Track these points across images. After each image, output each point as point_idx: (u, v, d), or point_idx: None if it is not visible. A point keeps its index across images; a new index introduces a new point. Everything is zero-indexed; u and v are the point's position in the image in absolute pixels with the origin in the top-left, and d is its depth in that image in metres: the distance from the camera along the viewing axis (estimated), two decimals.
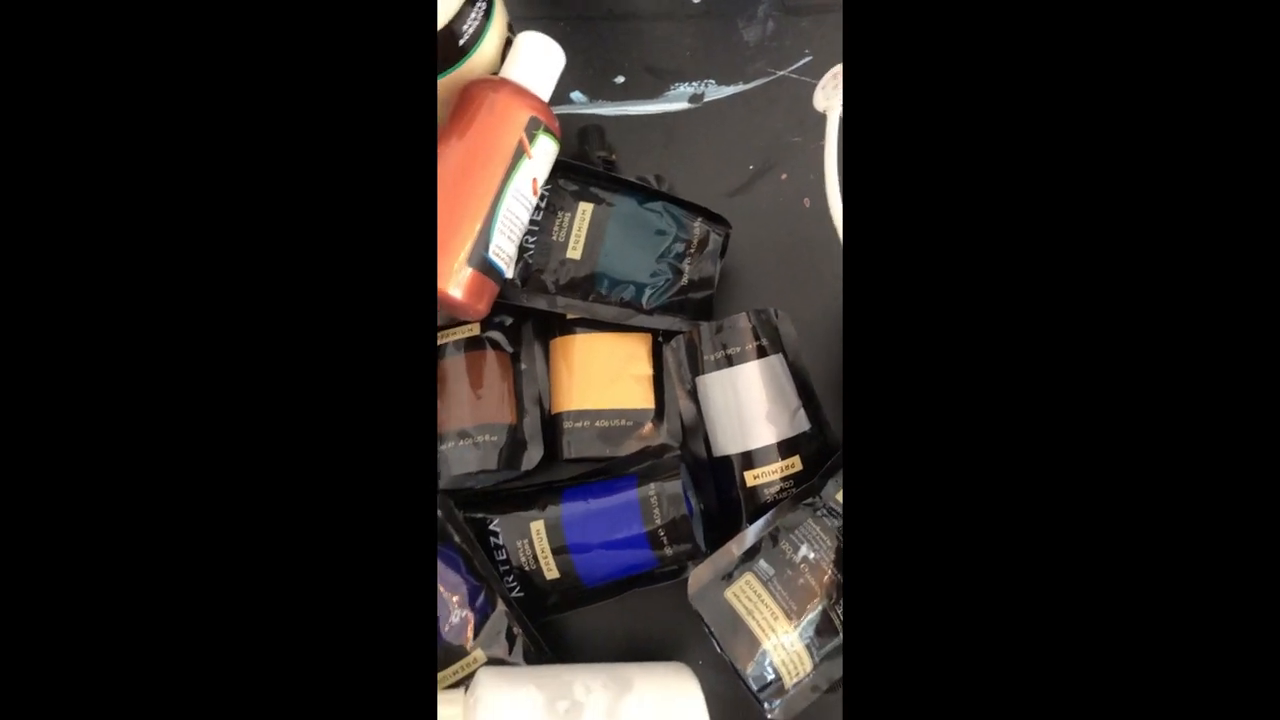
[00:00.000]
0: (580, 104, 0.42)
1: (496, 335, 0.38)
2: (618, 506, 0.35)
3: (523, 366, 0.39)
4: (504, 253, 0.34)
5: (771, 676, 0.31)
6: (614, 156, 0.41)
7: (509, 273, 0.35)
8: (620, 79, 0.42)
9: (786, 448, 0.35)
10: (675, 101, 0.42)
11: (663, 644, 0.38)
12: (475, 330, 0.38)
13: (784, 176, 0.40)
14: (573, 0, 0.43)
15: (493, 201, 0.32)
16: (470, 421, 0.37)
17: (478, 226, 0.32)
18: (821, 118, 0.35)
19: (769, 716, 0.32)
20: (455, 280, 0.32)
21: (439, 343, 0.39)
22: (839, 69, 0.31)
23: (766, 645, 0.31)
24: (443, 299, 0.32)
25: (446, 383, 0.38)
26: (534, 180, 0.34)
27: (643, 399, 0.37)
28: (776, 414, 0.35)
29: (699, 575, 0.33)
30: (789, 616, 0.32)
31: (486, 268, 0.33)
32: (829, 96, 0.30)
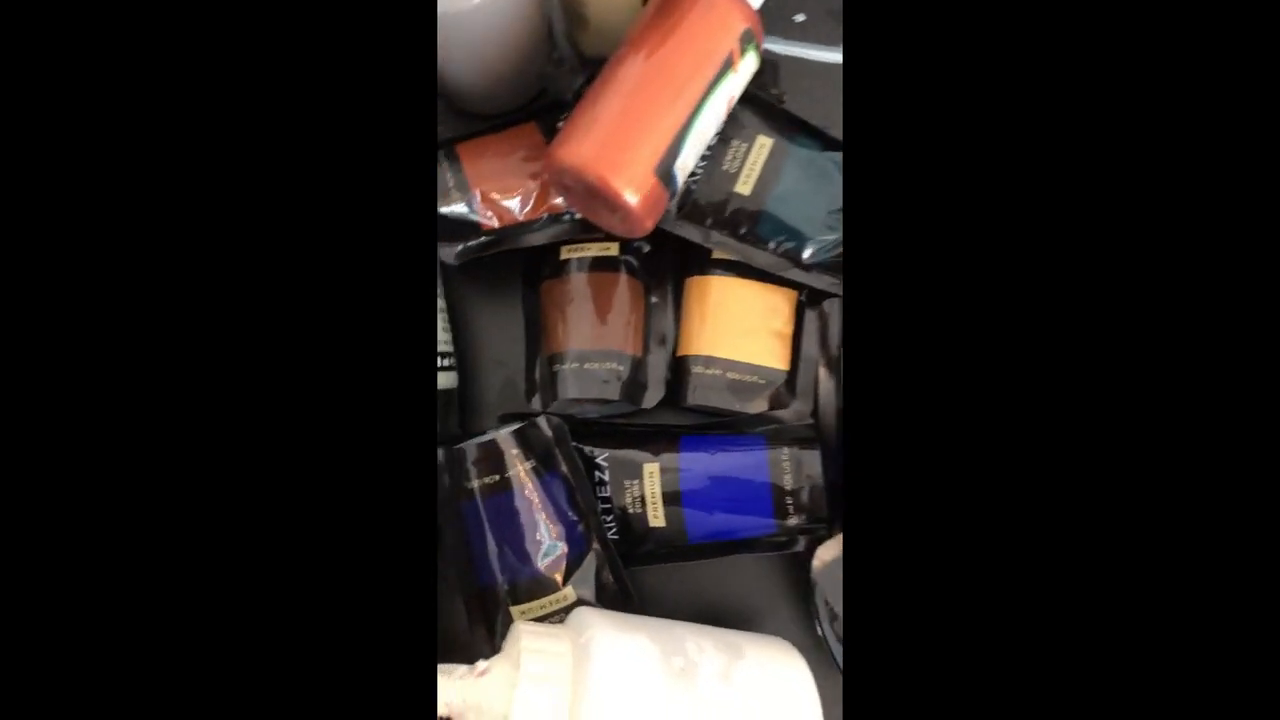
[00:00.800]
0: None
1: (633, 260, 0.36)
2: (746, 464, 0.32)
3: (653, 300, 0.36)
4: (686, 169, 0.31)
5: None
6: (784, 97, 0.38)
7: (671, 198, 0.32)
8: (800, 18, 0.39)
9: None
10: None
11: (738, 615, 0.36)
12: (611, 250, 0.35)
13: None
14: None
15: (693, 110, 0.29)
16: (592, 345, 0.34)
17: (673, 134, 0.29)
18: None
19: None
20: (638, 187, 0.29)
21: (562, 257, 0.36)
22: None
23: None
24: (613, 202, 0.29)
25: (570, 302, 0.35)
26: (730, 98, 0.31)
27: (778, 359, 0.35)
28: None
29: (826, 552, 0.31)
30: None
31: (668, 181, 0.30)
32: None
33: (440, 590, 0.35)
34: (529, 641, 0.27)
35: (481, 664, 0.27)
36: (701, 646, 0.29)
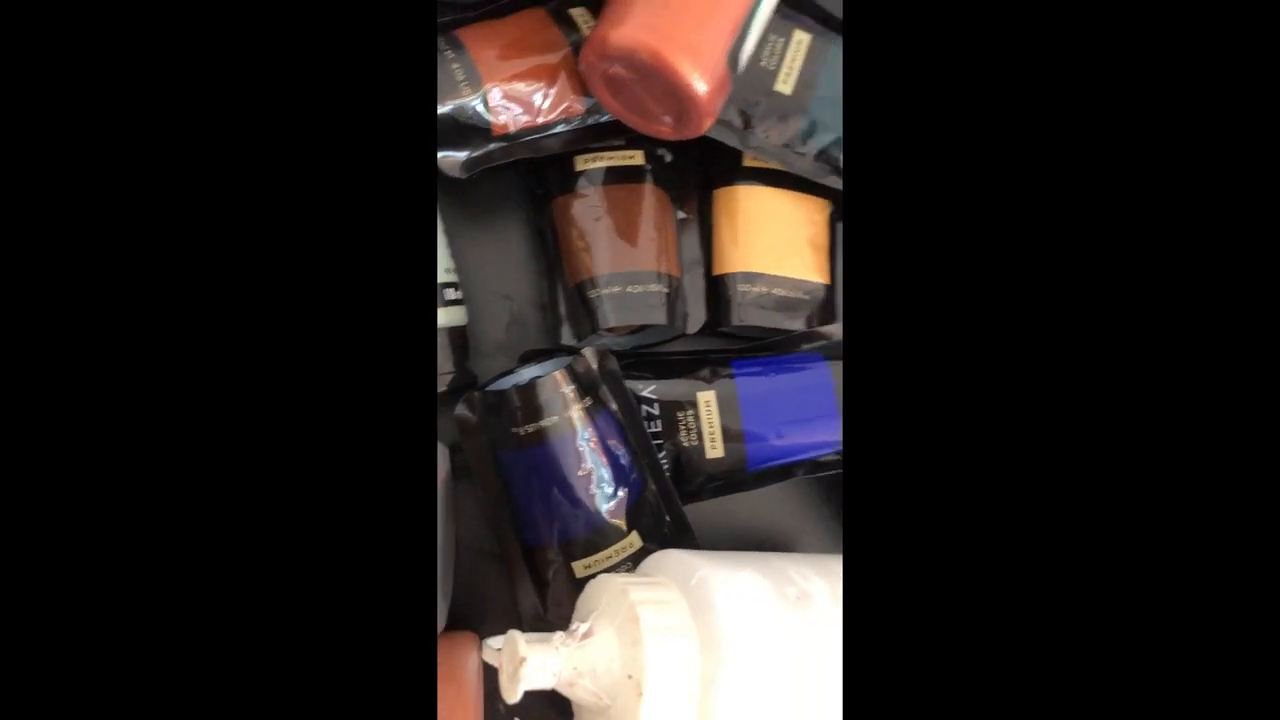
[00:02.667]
0: None
1: (657, 169, 0.32)
2: (809, 384, 0.31)
3: (680, 215, 0.33)
4: (747, 56, 0.27)
5: None
6: None
7: None
8: None
9: None
10: None
11: (774, 540, 0.35)
12: (635, 158, 0.32)
13: None
14: None
15: (746, 13, 0.26)
16: (628, 266, 0.31)
17: (745, 9, 0.26)
18: None
19: None
20: (710, 74, 0.25)
21: (577, 168, 0.31)
22: None
23: None
24: (680, 92, 0.26)
25: (594, 219, 0.31)
26: None
27: (819, 272, 0.33)
28: None
29: None
30: None
31: (735, 69, 0.27)
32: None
33: (467, 552, 0.31)
34: (638, 594, 0.24)
35: (580, 626, 0.24)
36: (804, 573, 0.27)
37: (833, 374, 0.31)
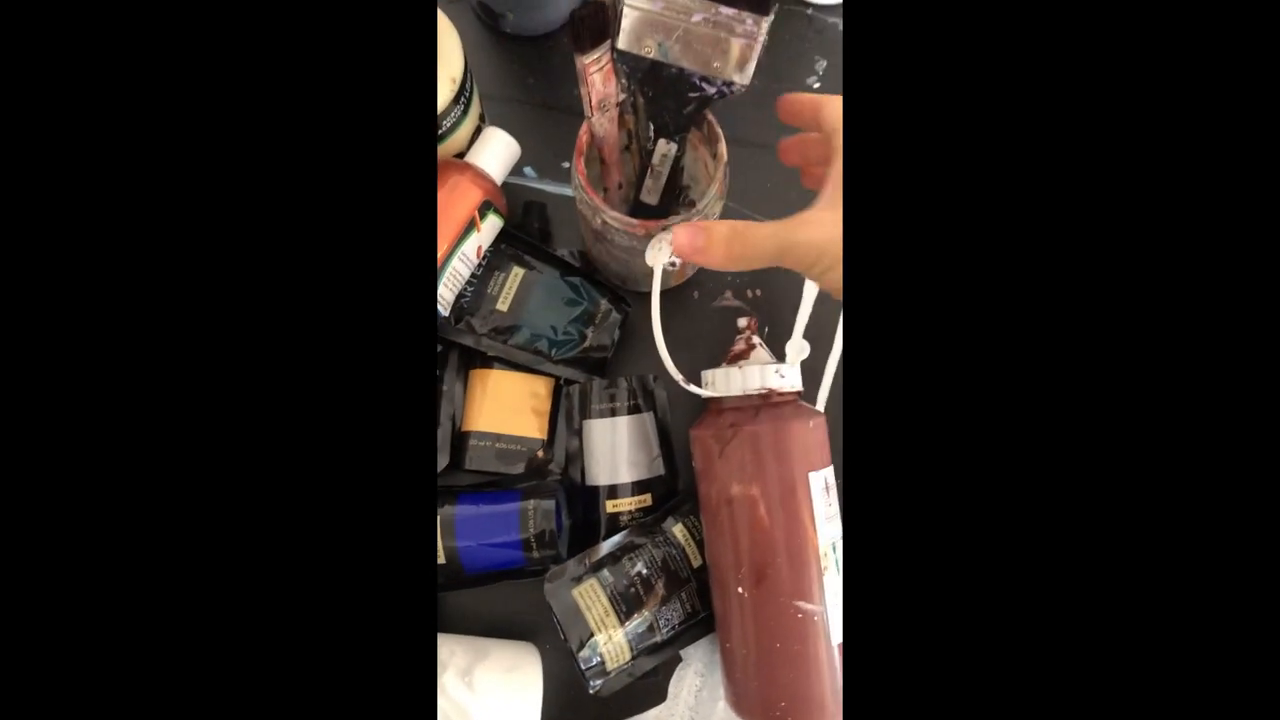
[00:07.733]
0: (530, 179, 0.51)
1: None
2: (502, 514, 0.43)
3: (443, 387, 0.47)
4: (444, 300, 0.42)
5: (597, 660, 0.41)
6: (550, 226, 0.50)
7: (445, 314, 0.43)
8: (567, 165, 0.51)
9: (642, 486, 0.45)
10: None
11: (519, 627, 0.47)
12: None
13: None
14: (542, 90, 0.52)
15: (443, 260, 0.41)
16: None
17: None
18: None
19: (591, 691, 0.41)
20: None
21: None
22: (666, 234, 0.40)
23: (598, 636, 0.41)
24: None
25: None
26: (479, 247, 0.43)
27: (538, 430, 0.46)
28: (639, 459, 0.45)
29: (555, 574, 0.42)
30: (619, 616, 0.41)
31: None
32: (656, 255, 0.38)
33: None
34: None
35: None
36: (454, 650, 0.39)
37: (520, 507, 0.43)
